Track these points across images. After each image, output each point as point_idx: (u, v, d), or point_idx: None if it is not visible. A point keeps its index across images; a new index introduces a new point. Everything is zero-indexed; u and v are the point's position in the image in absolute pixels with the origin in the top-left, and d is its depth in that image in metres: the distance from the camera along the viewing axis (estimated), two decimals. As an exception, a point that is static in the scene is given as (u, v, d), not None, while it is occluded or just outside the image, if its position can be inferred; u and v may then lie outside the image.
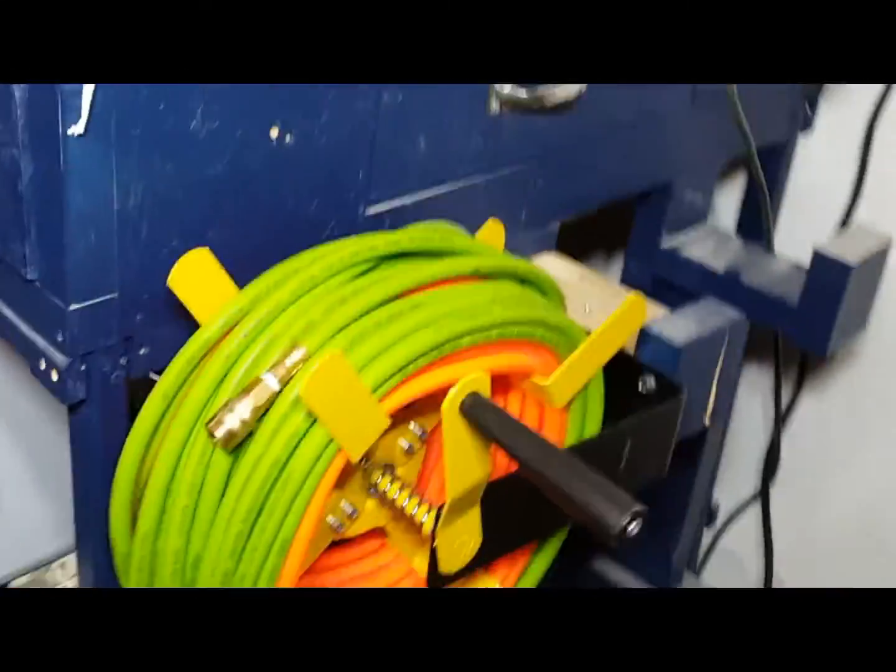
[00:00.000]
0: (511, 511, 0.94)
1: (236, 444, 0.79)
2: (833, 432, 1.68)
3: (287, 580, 0.82)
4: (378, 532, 1.00)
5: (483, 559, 0.93)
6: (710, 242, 1.39)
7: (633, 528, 0.73)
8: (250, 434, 0.79)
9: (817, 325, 1.28)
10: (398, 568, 1.02)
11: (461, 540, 0.89)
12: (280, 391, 0.78)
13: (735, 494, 1.80)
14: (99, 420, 0.87)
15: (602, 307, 1.15)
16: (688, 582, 1.67)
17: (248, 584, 0.80)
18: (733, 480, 1.78)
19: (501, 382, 0.99)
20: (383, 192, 0.98)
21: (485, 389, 0.81)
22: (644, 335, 1.12)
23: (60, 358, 0.83)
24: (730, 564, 1.84)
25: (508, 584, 1.03)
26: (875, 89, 1.43)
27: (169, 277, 0.81)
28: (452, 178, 1.05)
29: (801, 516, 1.76)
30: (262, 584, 0.80)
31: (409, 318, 0.83)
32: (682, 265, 1.38)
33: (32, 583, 1.22)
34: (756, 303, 1.33)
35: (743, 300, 1.31)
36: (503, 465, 1.02)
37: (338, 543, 1.04)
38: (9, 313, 0.89)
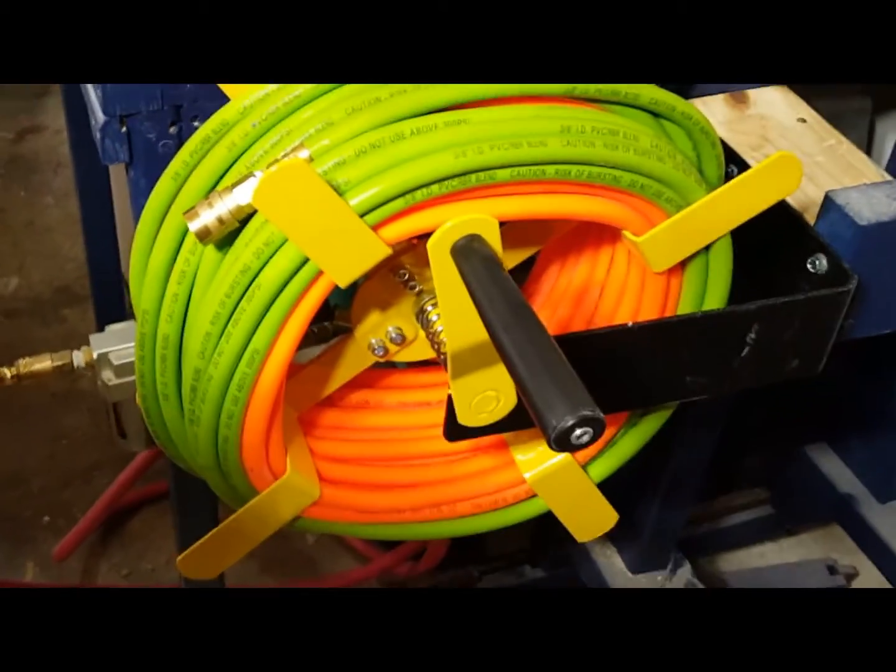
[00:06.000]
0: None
1: (215, 241, 0.73)
2: None
3: (263, 394, 0.76)
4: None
5: (519, 423, 0.82)
6: None
7: (582, 435, 0.59)
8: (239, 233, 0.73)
9: None
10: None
11: (485, 395, 0.78)
12: (270, 193, 0.70)
13: None
14: (146, 186, 0.84)
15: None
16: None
17: (215, 388, 0.75)
18: None
19: (610, 232, 0.85)
20: None
21: (489, 234, 0.68)
22: (826, 205, 0.90)
23: (100, 116, 0.80)
24: None
25: (583, 458, 0.92)
26: None
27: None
28: None
29: None
30: (231, 392, 0.75)
31: (437, 135, 0.71)
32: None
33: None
34: None
35: None
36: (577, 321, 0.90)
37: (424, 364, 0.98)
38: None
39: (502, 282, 0.66)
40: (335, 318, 0.91)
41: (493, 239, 0.68)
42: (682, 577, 1.32)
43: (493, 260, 0.67)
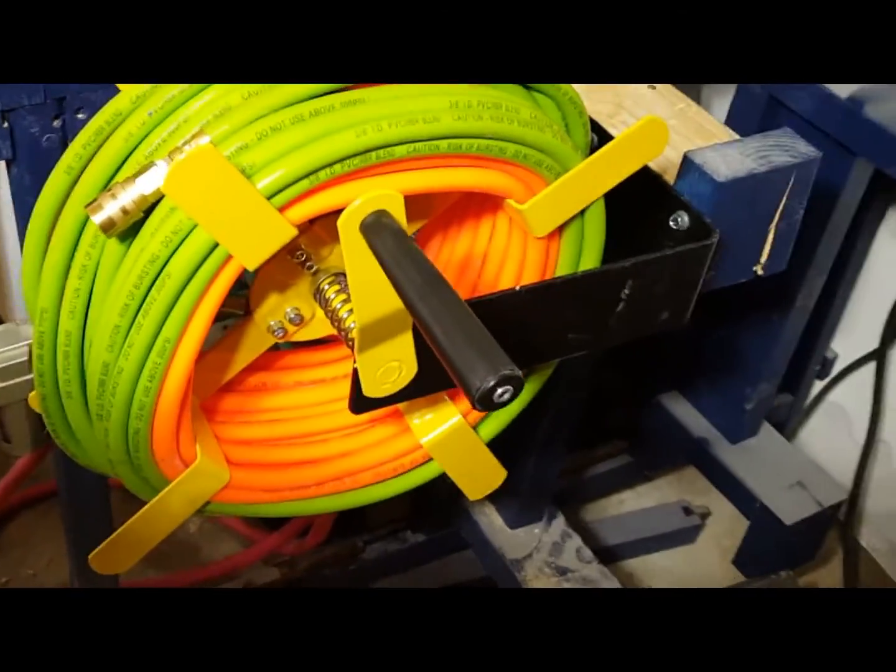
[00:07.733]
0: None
1: (119, 233, 0.73)
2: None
3: (174, 382, 0.77)
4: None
5: (419, 390, 0.85)
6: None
7: (503, 394, 0.63)
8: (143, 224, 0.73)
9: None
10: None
11: (388, 366, 0.81)
12: (173, 181, 0.71)
13: (855, 348, 1.63)
14: (31, 183, 0.83)
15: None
16: (764, 435, 1.56)
17: (126, 380, 0.76)
18: (854, 333, 1.61)
19: (491, 202, 0.89)
20: None
21: (395, 209, 0.71)
22: (685, 165, 0.97)
23: (-21, 112, 0.79)
24: (836, 419, 1.69)
25: (473, 420, 0.96)
26: None
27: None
28: None
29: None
30: (142, 383, 0.76)
31: (336, 115, 0.73)
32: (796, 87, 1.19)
33: None
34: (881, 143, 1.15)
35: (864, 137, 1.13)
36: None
37: (322, 342, 0.99)
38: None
39: (414, 253, 0.69)
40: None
41: (399, 213, 0.71)
42: (557, 528, 1.39)
43: (402, 233, 0.70)
